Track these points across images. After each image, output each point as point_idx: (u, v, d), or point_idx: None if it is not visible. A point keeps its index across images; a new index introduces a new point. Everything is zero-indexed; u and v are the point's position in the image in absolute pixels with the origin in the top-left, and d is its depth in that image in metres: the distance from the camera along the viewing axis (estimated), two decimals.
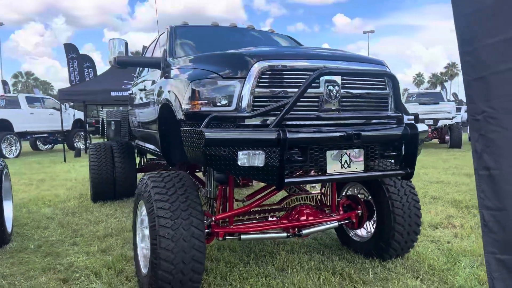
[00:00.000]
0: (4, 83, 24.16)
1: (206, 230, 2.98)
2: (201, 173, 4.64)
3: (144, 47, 5.84)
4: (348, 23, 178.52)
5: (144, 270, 2.97)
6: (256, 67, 2.55)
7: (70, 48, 16.14)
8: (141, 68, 5.53)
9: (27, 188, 7.44)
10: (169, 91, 3.17)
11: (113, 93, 11.79)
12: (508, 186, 1.47)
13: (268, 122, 2.54)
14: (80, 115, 17.11)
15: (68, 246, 4.07)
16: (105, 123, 7.15)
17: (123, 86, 11.97)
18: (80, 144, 15.94)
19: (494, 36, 1.44)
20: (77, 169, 10.33)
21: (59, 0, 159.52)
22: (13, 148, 13.88)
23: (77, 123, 16.97)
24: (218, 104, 2.60)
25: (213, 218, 3.11)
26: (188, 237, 2.63)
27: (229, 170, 2.48)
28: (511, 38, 1.38)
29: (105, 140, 8.76)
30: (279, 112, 2.46)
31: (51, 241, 4.24)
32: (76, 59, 15.83)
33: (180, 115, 2.84)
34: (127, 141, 6.15)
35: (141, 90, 4.47)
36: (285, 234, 3.25)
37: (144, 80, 4.57)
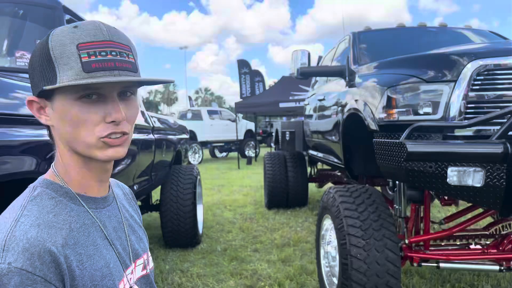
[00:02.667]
0: (190, 98, 27.84)
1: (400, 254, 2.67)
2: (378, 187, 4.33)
3: (320, 57, 5.81)
4: None
5: None
6: (470, 68, 2.16)
7: (242, 64, 17.41)
8: (316, 79, 5.51)
9: (210, 192, 8.24)
10: (356, 100, 2.98)
11: (281, 104, 12.31)
12: None
13: (482, 132, 2.13)
14: (250, 125, 18.45)
15: (250, 252, 4.24)
16: (279, 134, 7.40)
17: (290, 98, 12.41)
18: (250, 153, 17.16)
19: None
20: (250, 176, 11.05)
21: (231, 22, 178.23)
22: (196, 155, 15.77)
23: (248, 133, 18.33)
24: (420, 112, 2.29)
25: (406, 241, 2.77)
26: (382, 260, 2.38)
27: (435, 189, 2.15)
28: None
29: (272, 149, 9.17)
30: (504, 120, 2.01)
31: (235, 245, 4.50)
32: (249, 74, 17.06)
33: (372, 126, 2.61)
34: (299, 151, 6.22)
35: (320, 100, 4.40)
36: (497, 267, 2.68)
37: (323, 90, 4.49)
